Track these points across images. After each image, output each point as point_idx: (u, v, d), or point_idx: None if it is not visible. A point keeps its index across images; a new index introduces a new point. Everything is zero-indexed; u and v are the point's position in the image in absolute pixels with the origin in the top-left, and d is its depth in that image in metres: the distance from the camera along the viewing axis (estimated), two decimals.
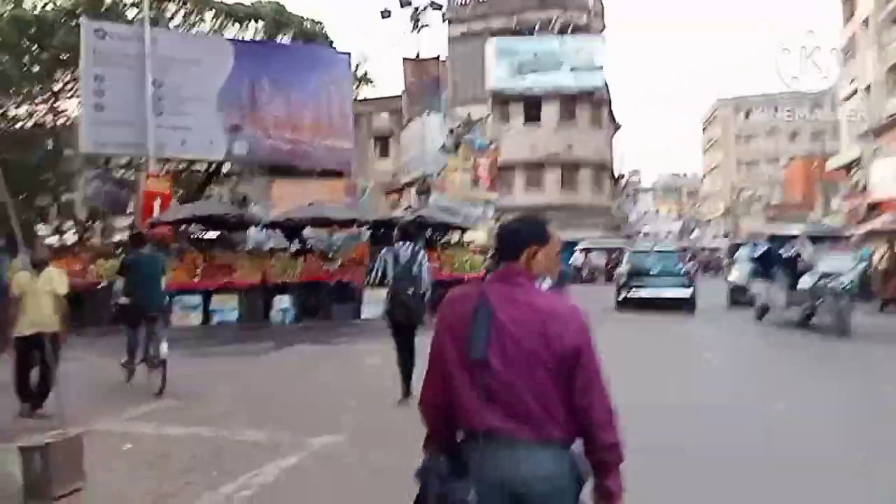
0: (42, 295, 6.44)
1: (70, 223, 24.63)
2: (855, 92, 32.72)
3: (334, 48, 24.53)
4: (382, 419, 6.53)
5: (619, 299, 18.34)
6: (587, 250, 36.85)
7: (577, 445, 2.04)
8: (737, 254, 22.28)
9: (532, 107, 41.37)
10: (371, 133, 41.52)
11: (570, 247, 31.60)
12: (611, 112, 46.55)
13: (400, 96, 30.05)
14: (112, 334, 8.82)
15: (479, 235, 22.73)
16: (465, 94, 39.77)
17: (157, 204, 17.39)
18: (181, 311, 14.19)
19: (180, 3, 23.84)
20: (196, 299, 14.41)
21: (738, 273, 19.35)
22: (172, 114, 18.05)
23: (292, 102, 20.08)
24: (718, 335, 13.82)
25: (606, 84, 42.48)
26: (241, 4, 24.56)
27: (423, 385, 2.20)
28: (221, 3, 24.13)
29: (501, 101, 41.07)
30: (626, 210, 58.62)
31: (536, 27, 41.05)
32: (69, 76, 21.95)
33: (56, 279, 6.81)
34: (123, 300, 8.31)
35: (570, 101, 41.39)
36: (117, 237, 22.93)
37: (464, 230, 20.92)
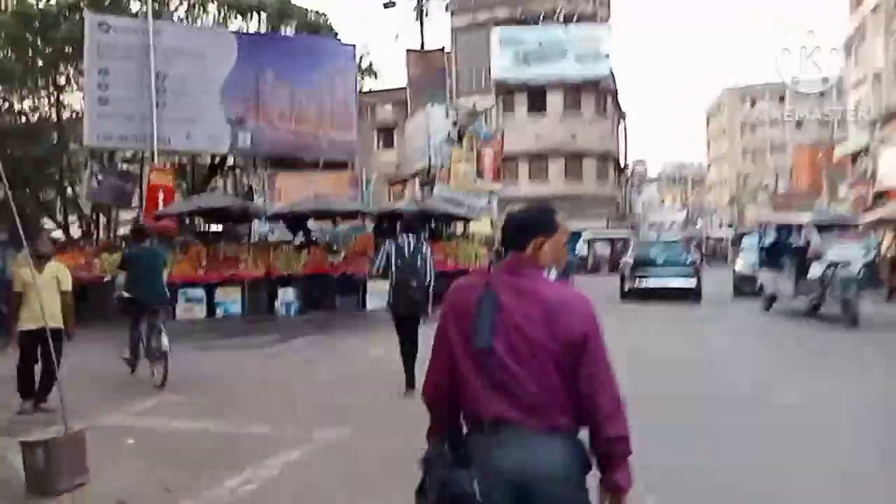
0: (45, 289, 6.36)
1: (75, 217, 24.69)
2: (863, 80, 32.46)
3: (339, 40, 24.41)
4: (387, 411, 6.50)
5: (625, 289, 18.29)
6: (592, 240, 36.78)
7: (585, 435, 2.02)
8: (743, 243, 22.18)
9: (537, 96, 41.12)
10: (375, 125, 41.45)
11: (574, 237, 31.51)
12: (616, 101, 46.30)
13: (403, 88, 29.91)
14: (116, 328, 8.81)
15: (484, 226, 22.66)
16: (470, 84, 39.60)
17: (161, 197, 17.36)
18: (185, 304, 14.19)
19: None
20: (200, 292, 14.40)
21: (744, 262, 19.26)
22: (176, 107, 17.98)
23: (296, 94, 19.98)
24: (725, 326, 13.74)
25: (612, 73, 42.20)
26: None
27: (427, 374, 2.20)
28: None
29: (506, 91, 40.83)
30: (630, 199, 58.40)
31: (541, 16, 40.79)
32: (73, 70, 21.93)
33: (59, 274, 6.79)
34: (125, 294, 8.29)
35: (574, 91, 41.12)
36: (122, 230, 22.98)
37: (468, 221, 20.87)
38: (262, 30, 24.07)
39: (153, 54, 17.43)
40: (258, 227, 19.92)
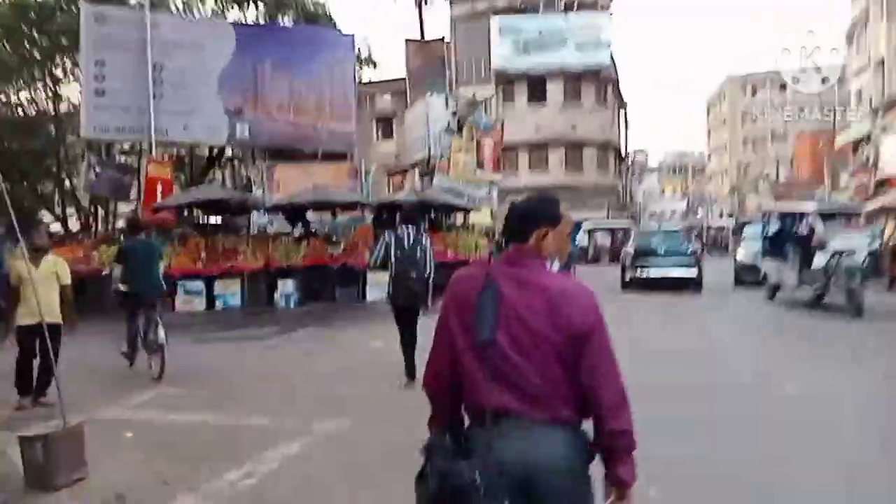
0: (42, 284, 6.28)
1: (73, 210, 24.61)
2: (865, 67, 32.28)
3: (338, 30, 24.25)
4: (388, 403, 6.48)
5: (626, 279, 18.26)
6: (592, 230, 36.71)
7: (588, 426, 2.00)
8: (744, 232, 22.11)
9: (537, 86, 40.91)
10: (374, 115, 41.24)
11: (575, 227, 31.39)
12: (617, 90, 46.07)
13: (403, 78, 29.75)
14: (114, 321, 8.77)
15: (484, 217, 22.60)
16: (470, 74, 39.39)
17: (159, 189, 17.31)
18: (185, 296, 14.18)
19: None
20: (199, 284, 14.38)
21: (745, 252, 19.20)
22: (174, 98, 17.88)
23: (295, 85, 19.87)
24: (726, 315, 13.70)
25: (613, 61, 41.97)
26: None
27: (427, 364, 2.19)
28: None
29: (506, 80, 40.60)
30: (631, 189, 58.31)
31: (541, 4, 40.52)
32: (70, 61, 21.80)
33: (58, 268, 6.74)
34: (121, 287, 8.26)
35: (575, 80, 40.89)
36: (120, 223, 22.90)
37: (468, 211, 20.81)
38: (260, 20, 23.92)
39: (150, 45, 17.33)
40: (257, 219, 19.87)
